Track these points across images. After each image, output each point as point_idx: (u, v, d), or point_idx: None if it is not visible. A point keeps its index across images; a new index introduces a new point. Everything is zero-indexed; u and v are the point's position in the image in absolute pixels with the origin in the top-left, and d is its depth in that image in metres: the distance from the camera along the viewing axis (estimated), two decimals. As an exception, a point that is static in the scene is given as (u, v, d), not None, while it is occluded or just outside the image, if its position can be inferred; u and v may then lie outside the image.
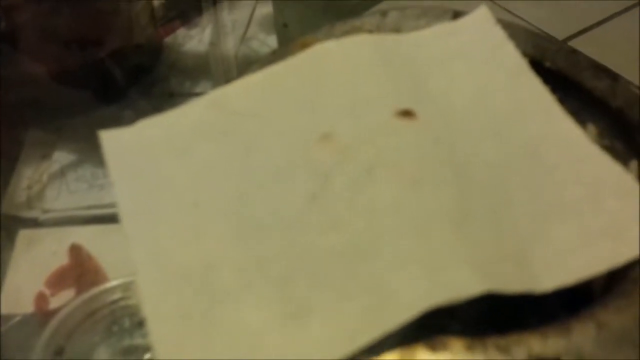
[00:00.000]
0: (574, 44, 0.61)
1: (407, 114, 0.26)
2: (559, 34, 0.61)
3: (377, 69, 0.29)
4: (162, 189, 0.26)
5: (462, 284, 0.21)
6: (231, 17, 0.56)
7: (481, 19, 0.30)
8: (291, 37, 0.49)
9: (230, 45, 0.53)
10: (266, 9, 0.56)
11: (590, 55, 0.58)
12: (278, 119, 0.28)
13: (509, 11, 0.64)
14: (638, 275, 0.22)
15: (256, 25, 0.55)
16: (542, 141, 0.26)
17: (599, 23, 0.62)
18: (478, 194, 0.24)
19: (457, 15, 0.30)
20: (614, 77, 0.27)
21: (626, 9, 0.63)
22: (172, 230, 0.24)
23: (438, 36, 0.30)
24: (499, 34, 0.29)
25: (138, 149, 0.27)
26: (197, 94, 0.28)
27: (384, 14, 0.31)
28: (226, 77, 0.50)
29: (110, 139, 0.28)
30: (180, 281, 0.23)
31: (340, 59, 0.29)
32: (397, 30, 0.31)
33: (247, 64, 0.51)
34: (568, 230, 0.23)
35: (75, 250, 0.38)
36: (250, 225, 0.24)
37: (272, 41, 0.53)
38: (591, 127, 0.28)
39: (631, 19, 0.62)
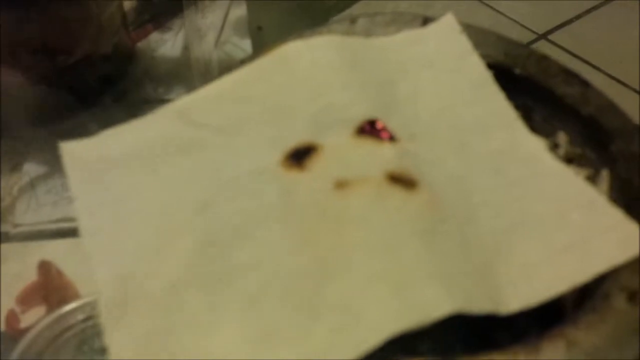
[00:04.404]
0: (554, 37, 0.61)
1: (373, 125, 0.26)
2: (539, 28, 0.61)
3: (344, 74, 0.28)
4: (125, 204, 0.25)
5: (431, 305, 0.20)
6: (205, 21, 0.55)
7: (447, 27, 0.29)
8: (265, 41, 0.48)
9: (204, 49, 0.52)
10: (240, 12, 0.56)
11: (570, 49, 0.58)
12: (244, 132, 0.27)
13: (489, 6, 0.63)
14: (608, 290, 0.21)
15: (230, 29, 0.54)
16: (505, 156, 0.26)
17: (577, 17, 0.62)
18: (444, 208, 0.24)
19: (426, 21, 0.30)
20: (585, 83, 0.27)
21: (604, 2, 0.63)
22: (135, 248, 0.24)
23: (405, 43, 0.29)
24: (464, 43, 0.29)
25: (100, 162, 0.26)
26: (171, 100, 0.27)
27: (353, 20, 0.31)
28: (200, 81, 0.50)
29: (71, 151, 0.27)
30: (144, 302, 0.22)
31: (307, 62, 0.29)
32: (367, 37, 0.30)
33: (221, 69, 0.51)
34: (533, 246, 0.23)
35: (44, 267, 0.37)
36: (216, 244, 0.24)
37: (246, 45, 0.53)
38: (562, 135, 0.27)
39: (609, 12, 0.62)
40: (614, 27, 0.60)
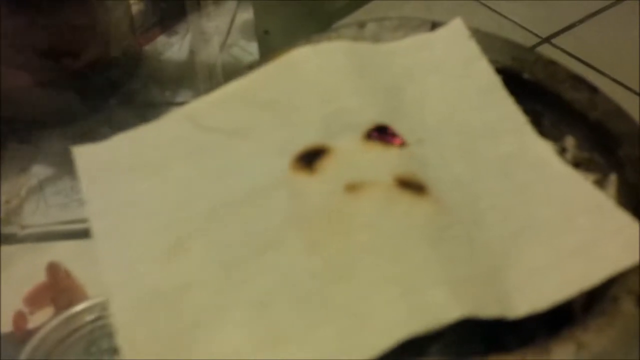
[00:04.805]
0: (557, 41, 0.61)
1: (384, 130, 0.26)
2: (542, 31, 0.61)
3: (353, 79, 0.28)
4: (136, 208, 0.25)
5: (440, 310, 0.21)
6: (211, 24, 0.55)
7: (455, 32, 0.30)
8: (272, 44, 0.49)
9: (210, 52, 0.53)
10: (247, 15, 0.56)
11: (573, 53, 0.59)
12: (253, 136, 0.27)
13: (494, 10, 0.64)
14: (617, 293, 0.21)
15: (237, 32, 0.54)
16: (513, 160, 0.26)
17: (581, 20, 0.62)
18: (451, 212, 0.24)
19: (435, 26, 0.30)
20: (592, 88, 0.27)
21: (608, 6, 0.63)
22: (145, 251, 0.24)
23: (413, 48, 0.30)
24: (473, 48, 0.29)
25: (111, 166, 0.27)
26: (178, 103, 0.28)
27: (361, 25, 0.31)
28: (207, 85, 0.50)
29: (83, 155, 0.27)
30: (154, 305, 0.23)
31: (315, 68, 0.29)
32: (375, 41, 0.30)
33: (228, 73, 0.51)
34: (541, 250, 0.23)
35: (53, 269, 0.37)
36: (226, 247, 0.24)
37: (253, 48, 0.53)
38: (570, 139, 0.27)
39: (613, 15, 0.62)
40: (617, 31, 0.60)
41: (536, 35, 0.61)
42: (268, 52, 0.31)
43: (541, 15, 0.63)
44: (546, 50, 0.60)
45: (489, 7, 0.63)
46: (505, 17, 0.63)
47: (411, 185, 0.24)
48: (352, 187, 0.24)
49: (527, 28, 0.62)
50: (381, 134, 0.26)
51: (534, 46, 0.60)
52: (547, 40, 0.61)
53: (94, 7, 0.44)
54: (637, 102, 0.52)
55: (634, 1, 0.62)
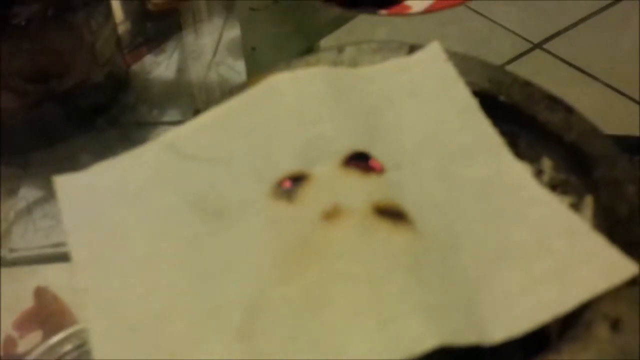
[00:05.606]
0: (549, 46, 0.61)
1: (363, 157, 0.26)
2: (534, 37, 0.62)
3: (331, 105, 0.28)
4: (116, 238, 0.26)
5: (416, 339, 0.21)
6: (198, 42, 0.55)
7: (433, 55, 0.30)
8: (259, 61, 0.49)
9: (198, 71, 0.53)
10: (234, 33, 0.56)
11: (565, 58, 0.59)
12: (232, 163, 0.28)
13: (485, 16, 0.64)
14: (591, 318, 0.22)
15: (224, 50, 0.55)
16: (490, 184, 0.26)
17: (573, 25, 0.63)
18: (428, 238, 0.24)
19: (412, 49, 0.30)
20: (568, 109, 0.27)
21: (600, 10, 0.64)
22: (125, 281, 0.24)
23: (391, 72, 0.30)
24: (450, 71, 0.29)
25: (92, 195, 0.27)
26: (165, 123, 0.28)
27: (340, 49, 0.31)
28: (194, 103, 0.50)
29: (65, 185, 0.27)
30: (134, 336, 0.23)
31: (294, 94, 0.29)
32: (354, 65, 0.31)
33: (216, 91, 0.51)
34: (516, 275, 0.23)
35: (40, 293, 0.38)
36: (204, 276, 0.24)
37: (240, 67, 0.53)
38: (546, 161, 0.28)
39: (604, 20, 0.63)
40: (609, 35, 0.60)
41: (528, 40, 0.61)
42: (255, 70, 0.31)
43: (533, 21, 0.63)
44: (538, 56, 0.60)
45: (481, 14, 0.64)
46: (496, 23, 0.63)
47: (389, 212, 0.24)
48: (329, 215, 0.24)
49: (518, 34, 0.62)
50: (359, 160, 0.26)
51: (526, 52, 0.61)
52: (538, 45, 0.61)
53: (79, 29, 0.44)
54: (629, 106, 0.52)
55: (626, 5, 0.63)
